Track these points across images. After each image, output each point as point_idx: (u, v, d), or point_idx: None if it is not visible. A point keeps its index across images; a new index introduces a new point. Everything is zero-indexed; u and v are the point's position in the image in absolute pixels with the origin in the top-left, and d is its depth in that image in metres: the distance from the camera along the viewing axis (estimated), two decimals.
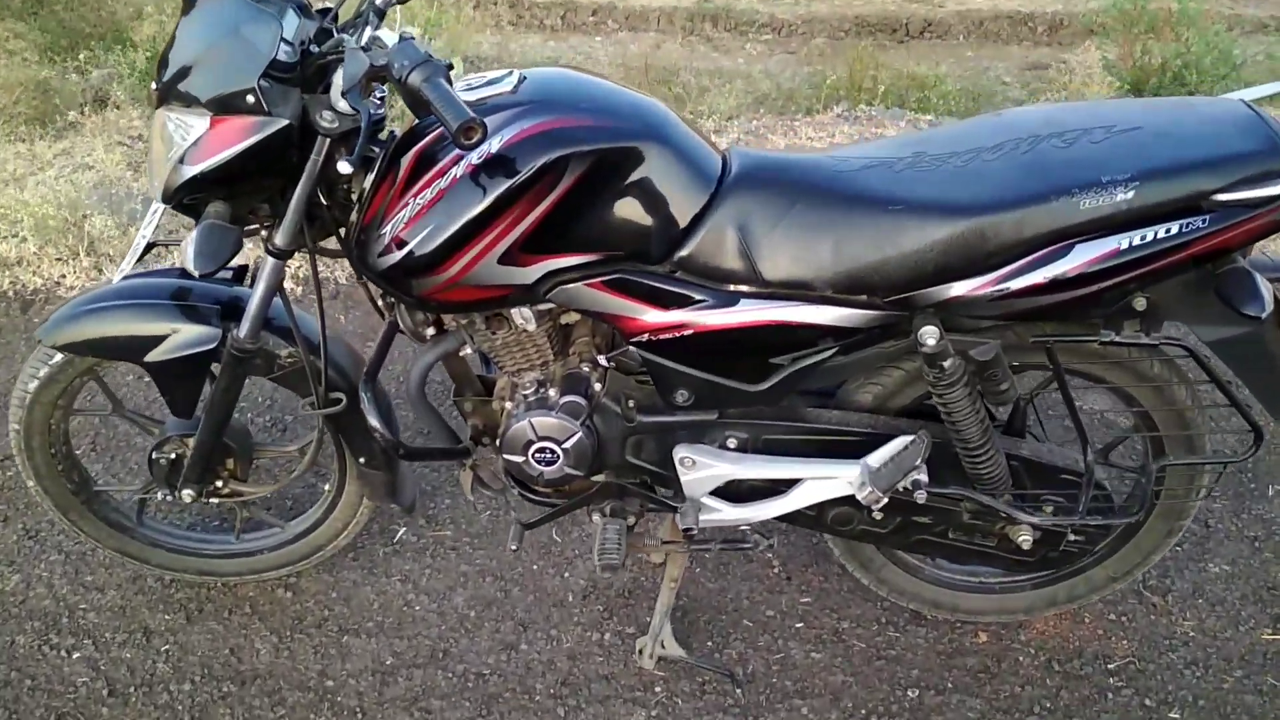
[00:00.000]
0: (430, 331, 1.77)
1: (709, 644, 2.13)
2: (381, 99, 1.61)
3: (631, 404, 1.80)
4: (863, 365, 1.75)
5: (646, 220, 1.59)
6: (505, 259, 1.57)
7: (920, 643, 2.13)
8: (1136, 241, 1.51)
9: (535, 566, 2.28)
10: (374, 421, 1.78)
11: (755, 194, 1.61)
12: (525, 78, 1.61)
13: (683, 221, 1.61)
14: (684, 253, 1.62)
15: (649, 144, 1.58)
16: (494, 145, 1.52)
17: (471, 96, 1.58)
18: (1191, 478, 1.84)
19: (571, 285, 1.63)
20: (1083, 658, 2.10)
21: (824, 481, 1.78)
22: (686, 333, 1.66)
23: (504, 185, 1.53)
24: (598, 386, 1.78)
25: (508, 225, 1.55)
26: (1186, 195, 1.50)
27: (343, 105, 1.48)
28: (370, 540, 2.34)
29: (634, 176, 1.57)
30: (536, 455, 1.79)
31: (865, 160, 1.65)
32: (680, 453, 1.79)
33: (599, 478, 1.88)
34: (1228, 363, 1.67)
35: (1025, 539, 1.83)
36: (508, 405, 1.82)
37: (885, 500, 1.74)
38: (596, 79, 1.68)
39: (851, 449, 1.79)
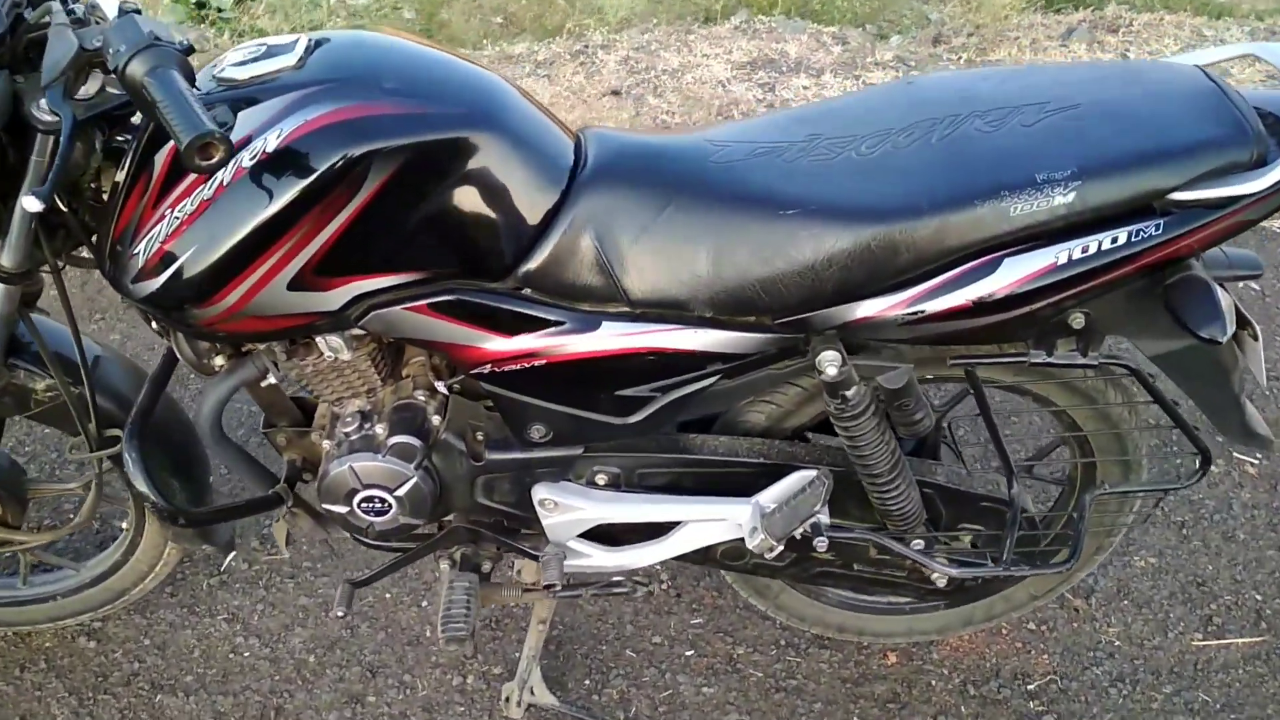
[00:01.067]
0: (219, 361, 1.43)
1: (586, 683, 1.87)
2: None
3: (481, 437, 1.49)
4: (753, 388, 1.47)
5: (480, 229, 1.26)
6: (296, 284, 1.23)
7: (823, 668, 1.90)
8: (1076, 254, 1.23)
9: (387, 595, 1.98)
10: (141, 485, 1.44)
11: (617, 192, 1.29)
12: (316, 45, 1.25)
13: (526, 229, 1.28)
14: (530, 267, 1.29)
15: (480, 133, 1.24)
16: (270, 141, 1.17)
17: (242, 73, 1.21)
18: (1124, 501, 1.62)
19: (388, 310, 1.29)
20: (1000, 678, 1.90)
21: (710, 524, 1.51)
22: (537, 363, 1.35)
23: (287, 194, 1.18)
24: (437, 419, 1.47)
25: (295, 244, 1.20)
26: (1137, 196, 1.22)
27: (42, 105, 1.11)
28: (192, 569, 2.01)
29: (460, 175, 1.23)
30: (363, 505, 1.47)
31: (749, 146, 1.34)
32: (540, 493, 1.50)
33: (447, 518, 1.58)
34: (1172, 377, 1.43)
35: (940, 577, 1.59)
36: (325, 445, 1.49)
37: (780, 549, 1.47)
38: (411, 45, 1.32)
39: (742, 482, 1.52)
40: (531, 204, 1.27)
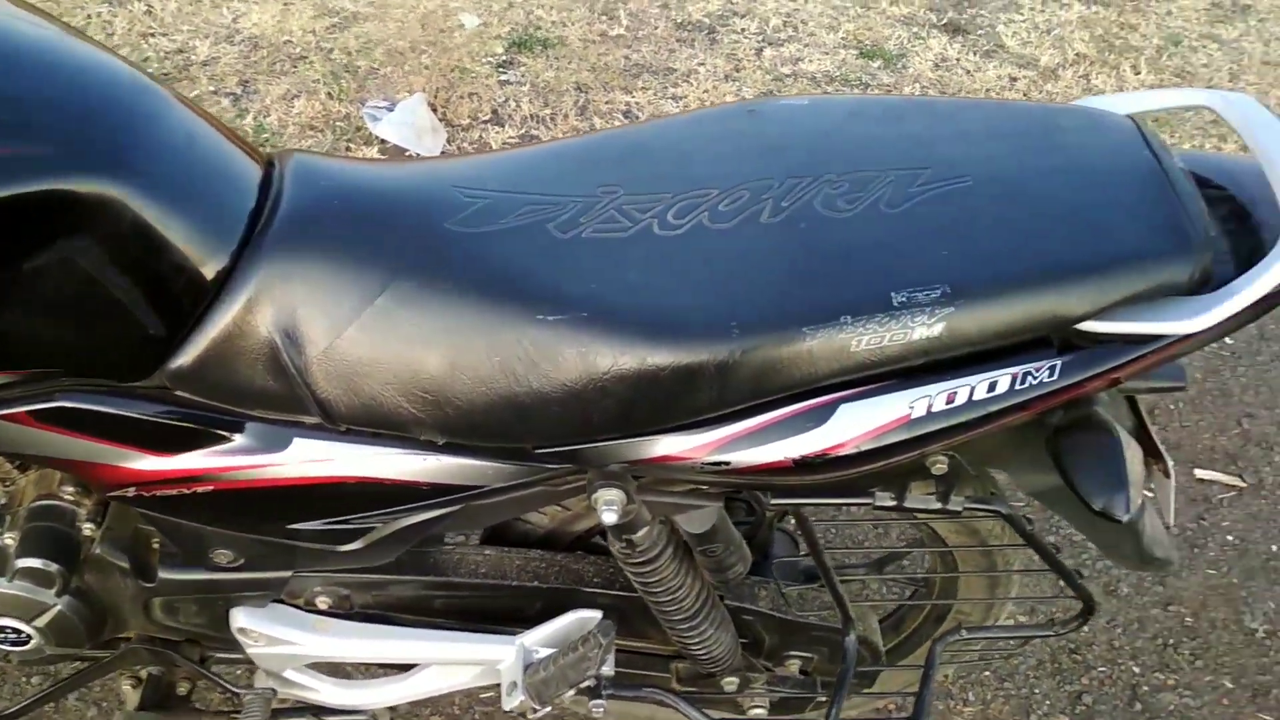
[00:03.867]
0: None
1: None
2: None
3: (156, 546, 1.12)
4: (520, 505, 1.11)
5: (98, 312, 0.86)
6: None
7: None
8: (940, 404, 0.88)
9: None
10: None
11: (312, 263, 0.90)
12: None
13: (175, 308, 0.88)
14: (182, 362, 0.90)
15: (96, 182, 0.82)
16: None
17: None
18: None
19: None
20: None
21: (461, 668, 1.17)
22: (204, 489, 0.97)
23: None
24: (89, 529, 1.08)
25: None
26: (1029, 325, 0.87)
27: None
28: None
29: (62, 240, 0.82)
30: None
31: (513, 200, 0.94)
32: (239, 620, 1.14)
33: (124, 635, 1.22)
34: (1056, 512, 1.11)
35: (759, 712, 1.29)
36: None
37: (545, 713, 1.15)
38: (9, 32, 0.88)
39: (510, 608, 1.18)
40: (182, 273, 0.87)
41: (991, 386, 0.88)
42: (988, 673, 1.76)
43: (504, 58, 3.01)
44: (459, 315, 0.89)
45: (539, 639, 1.14)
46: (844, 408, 0.88)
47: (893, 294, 0.85)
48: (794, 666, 1.28)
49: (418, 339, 0.89)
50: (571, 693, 1.11)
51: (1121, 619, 1.86)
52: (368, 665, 1.31)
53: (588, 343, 0.87)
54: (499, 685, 1.16)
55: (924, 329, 0.85)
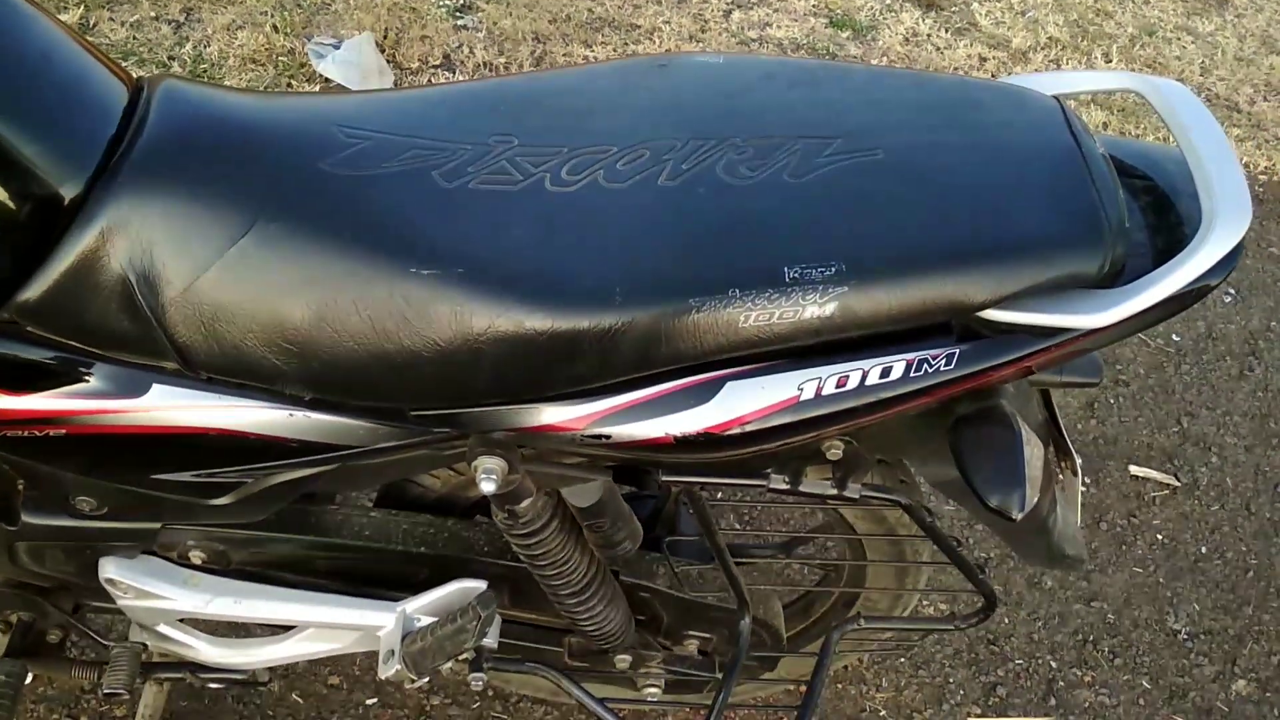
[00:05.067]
0: None
1: None
2: None
3: (20, 488, 1.06)
4: (402, 467, 1.06)
5: None
6: None
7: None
8: (830, 388, 0.84)
9: None
10: None
11: (173, 195, 0.83)
12: None
13: (23, 240, 0.82)
14: (30, 295, 0.83)
15: None
16: None
17: None
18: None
19: None
20: None
21: (340, 632, 1.13)
22: (57, 432, 0.91)
23: None
24: None
25: None
26: (927, 310, 0.83)
27: None
28: None
29: None
30: None
31: (397, 143, 0.88)
32: (108, 570, 1.08)
33: None
34: (962, 504, 1.08)
35: (653, 690, 1.25)
36: None
37: (422, 682, 1.10)
38: None
39: (394, 573, 1.13)
40: (30, 200, 0.81)
41: (885, 372, 0.84)
42: (903, 659, 1.74)
43: (461, 2, 2.92)
44: (328, 262, 0.83)
45: (420, 607, 1.09)
46: (730, 385, 0.83)
47: (785, 269, 0.80)
48: (692, 647, 1.24)
49: (283, 285, 0.84)
50: (450, 664, 1.07)
51: (1043, 612, 1.84)
52: (244, 624, 1.26)
53: (462, 301, 0.82)
54: (372, 651, 1.12)
55: (815, 308, 0.80)
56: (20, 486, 1.06)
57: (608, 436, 0.87)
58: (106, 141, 0.85)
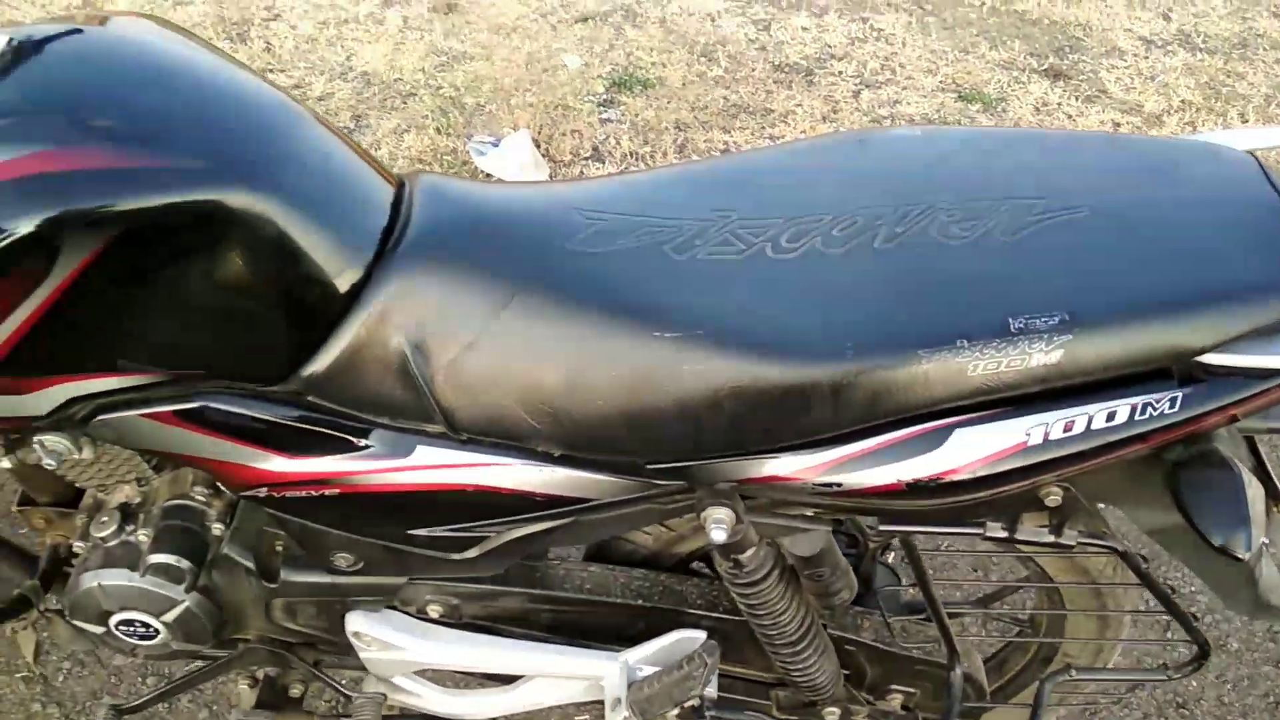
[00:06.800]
0: None
1: None
2: None
3: (279, 548, 1.17)
4: (628, 522, 1.13)
5: (239, 319, 0.91)
6: None
7: None
8: (1057, 433, 0.88)
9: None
10: None
11: (441, 277, 0.94)
12: (18, 52, 0.88)
13: (311, 317, 0.93)
14: (316, 369, 0.94)
15: (241, 192, 0.87)
16: None
17: None
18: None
19: (119, 415, 0.95)
20: None
21: (564, 683, 1.19)
22: (330, 491, 1.01)
23: None
24: (218, 528, 1.13)
25: None
26: (1150, 356, 0.87)
27: None
28: None
29: (212, 248, 0.88)
30: (122, 628, 1.16)
31: (632, 222, 0.98)
32: (354, 624, 1.18)
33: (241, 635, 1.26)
34: (1171, 553, 1.09)
35: None
36: (78, 545, 1.17)
37: None
38: (163, 51, 0.94)
39: (613, 625, 1.20)
40: (320, 284, 0.92)
41: (1110, 416, 0.88)
42: None
43: (605, 97, 3.08)
44: (578, 331, 0.92)
45: (642, 657, 1.15)
46: (959, 432, 0.89)
47: (1010, 319, 0.85)
48: (896, 701, 1.26)
49: (539, 353, 0.93)
50: (675, 711, 1.12)
51: (1231, 675, 1.80)
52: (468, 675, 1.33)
53: (703, 360, 0.90)
54: (597, 701, 1.18)
55: (1042, 355, 0.85)
56: (279, 547, 1.16)
57: (839, 485, 0.92)
58: (380, 231, 0.96)
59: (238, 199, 0.87)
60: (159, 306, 0.89)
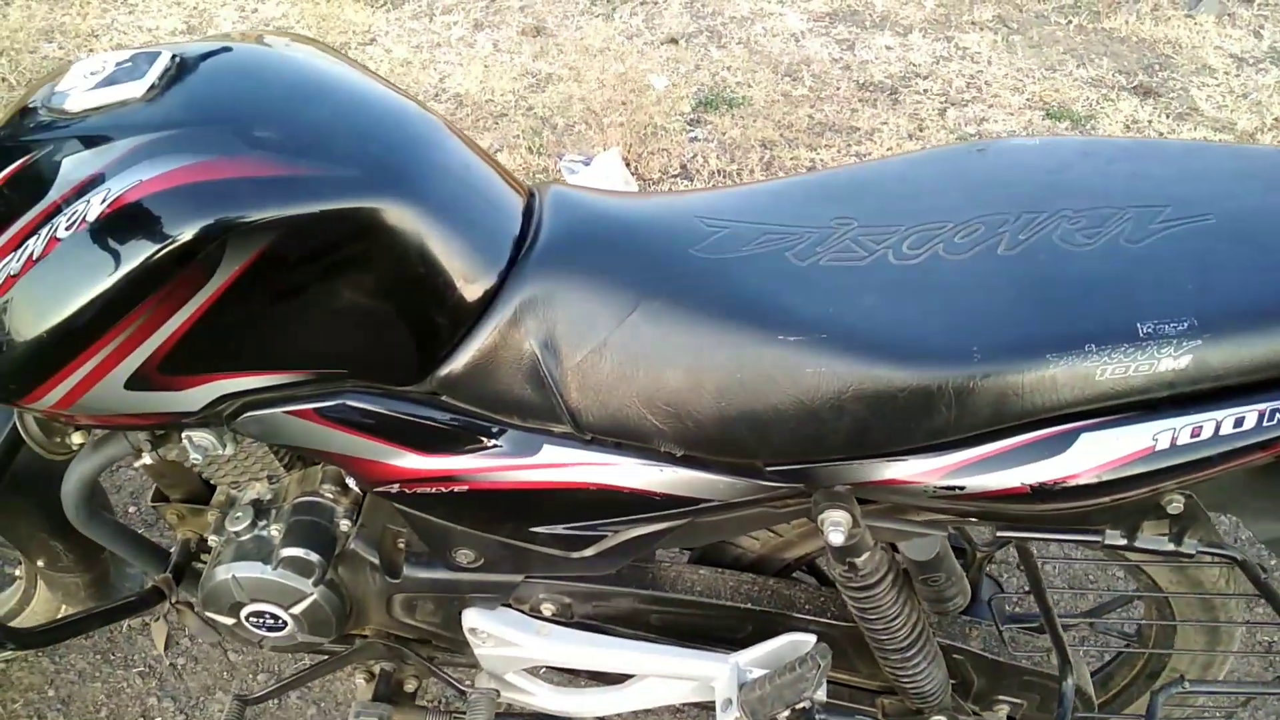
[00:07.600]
0: (77, 439, 1.16)
1: None
2: None
3: (401, 545, 1.21)
4: (741, 525, 1.15)
5: (382, 322, 0.96)
6: (138, 383, 0.94)
7: None
8: (1184, 438, 0.89)
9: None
10: None
11: (569, 284, 0.97)
12: (177, 68, 0.94)
13: (449, 321, 0.97)
14: (451, 370, 0.99)
15: (388, 201, 0.92)
16: (93, 207, 0.87)
17: (82, 102, 0.91)
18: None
19: (266, 412, 1.01)
20: None
21: (675, 683, 1.21)
22: (459, 488, 1.05)
23: (111, 277, 0.88)
24: (345, 524, 1.18)
25: (129, 338, 0.91)
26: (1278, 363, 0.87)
27: None
28: None
29: (357, 255, 0.93)
30: (252, 619, 1.21)
31: (754, 230, 1.00)
32: (471, 620, 1.21)
33: (360, 631, 1.31)
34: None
35: None
36: (211, 539, 1.22)
37: None
38: (312, 68, 1.00)
39: (723, 628, 1.22)
40: (457, 290, 0.96)
41: (1238, 422, 0.88)
42: None
43: (692, 116, 3.12)
44: (703, 334, 0.95)
45: (753, 659, 1.17)
46: (1085, 436, 0.89)
47: (1139, 324, 0.86)
48: (1002, 712, 1.26)
49: (664, 355, 0.96)
50: (786, 713, 1.13)
51: None
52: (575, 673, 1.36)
53: (827, 362, 0.92)
54: (705, 701, 1.20)
55: (1170, 360, 0.86)
56: (401, 544, 1.21)
57: (961, 488, 0.93)
58: (513, 239, 1.00)
59: (387, 207, 0.92)
60: (308, 309, 0.93)
